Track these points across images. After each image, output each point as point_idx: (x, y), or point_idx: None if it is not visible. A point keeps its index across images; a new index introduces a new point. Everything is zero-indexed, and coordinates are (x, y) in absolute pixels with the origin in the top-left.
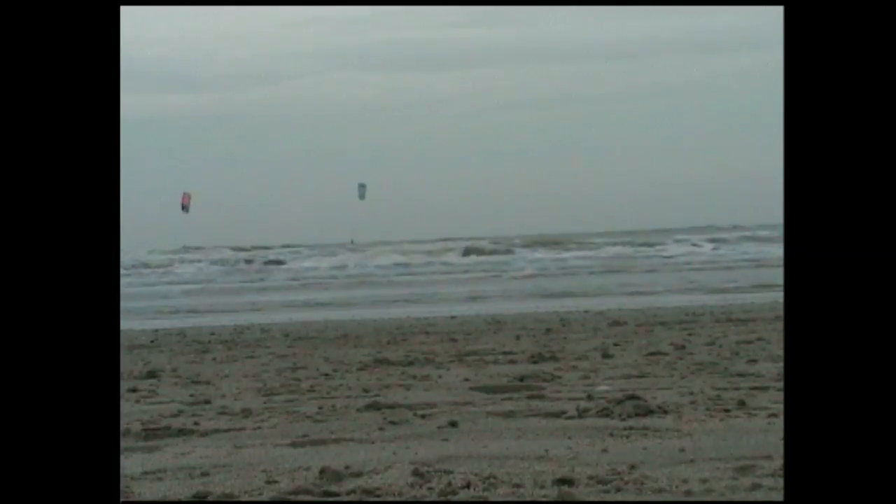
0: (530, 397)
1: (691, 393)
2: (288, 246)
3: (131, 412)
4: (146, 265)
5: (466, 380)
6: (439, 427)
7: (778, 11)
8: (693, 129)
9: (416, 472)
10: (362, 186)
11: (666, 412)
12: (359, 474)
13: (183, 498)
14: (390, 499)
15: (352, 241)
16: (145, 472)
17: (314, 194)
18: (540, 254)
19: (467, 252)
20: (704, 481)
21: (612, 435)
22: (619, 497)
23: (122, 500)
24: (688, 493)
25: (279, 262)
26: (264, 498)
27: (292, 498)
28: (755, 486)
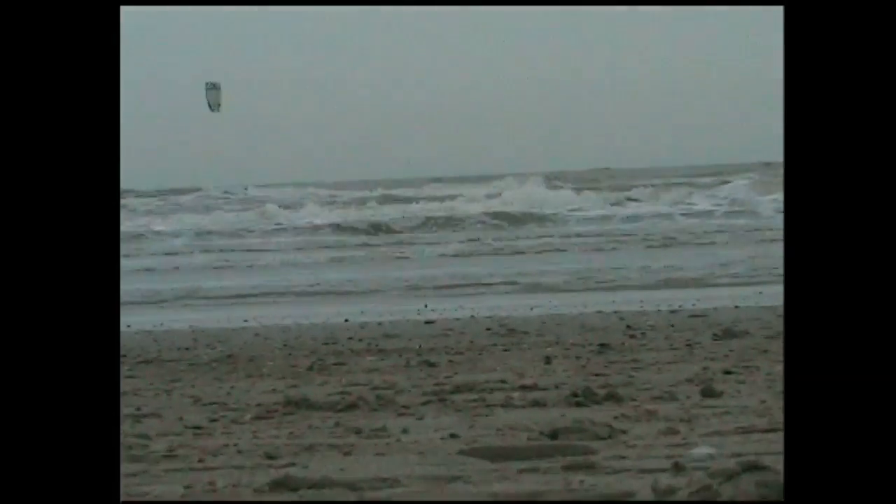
0: (569, 469)
1: None
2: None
3: None
4: None
5: (453, 437)
6: None
7: (777, 11)
8: None
9: None
10: (213, 88)
11: None
12: None
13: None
14: None
15: (245, 189)
16: None
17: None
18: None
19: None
20: None
21: None
22: None
23: (122, 500)
24: None
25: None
26: None
27: None
28: None
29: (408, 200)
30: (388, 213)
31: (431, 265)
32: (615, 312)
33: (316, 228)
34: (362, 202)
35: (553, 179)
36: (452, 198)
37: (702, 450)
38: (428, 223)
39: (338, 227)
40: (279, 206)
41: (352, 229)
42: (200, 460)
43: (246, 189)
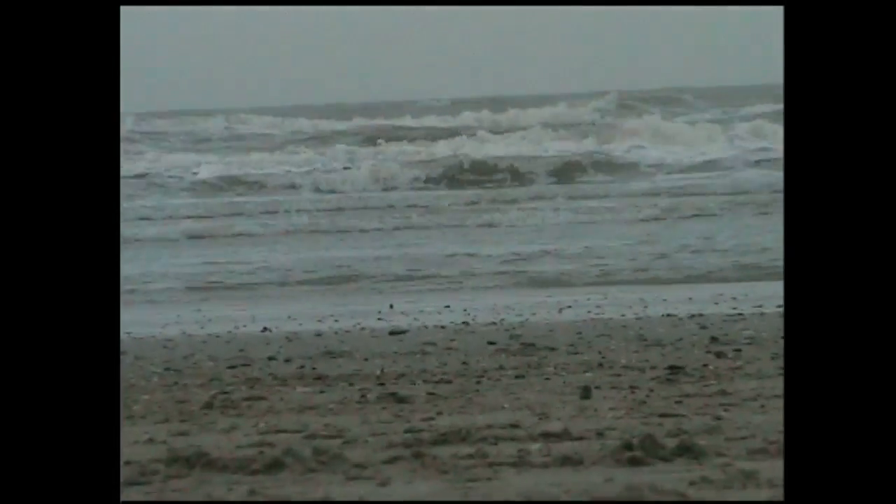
0: None
1: None
2: None
3: None
4: None
5: None
6: None
7: (777, 11)
8: None
9: None
10: None
11: None
12: None
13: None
14: None
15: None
16: None
17: None
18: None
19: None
20: None
21: None
22: None
23: (121, 500)
24: None
25: None
26: None
27: None
28: None
29: (384, 135)
30: (340, 156)
31: (405, 241)
32: (693, 317)
33: (223, 184)
34: (318, 139)
35: (628, 98)
36: (443, 134)
37: None
38: (408, 174)
39: (255, 183)
40: (162, 151)
41: (283, 186)
42: None
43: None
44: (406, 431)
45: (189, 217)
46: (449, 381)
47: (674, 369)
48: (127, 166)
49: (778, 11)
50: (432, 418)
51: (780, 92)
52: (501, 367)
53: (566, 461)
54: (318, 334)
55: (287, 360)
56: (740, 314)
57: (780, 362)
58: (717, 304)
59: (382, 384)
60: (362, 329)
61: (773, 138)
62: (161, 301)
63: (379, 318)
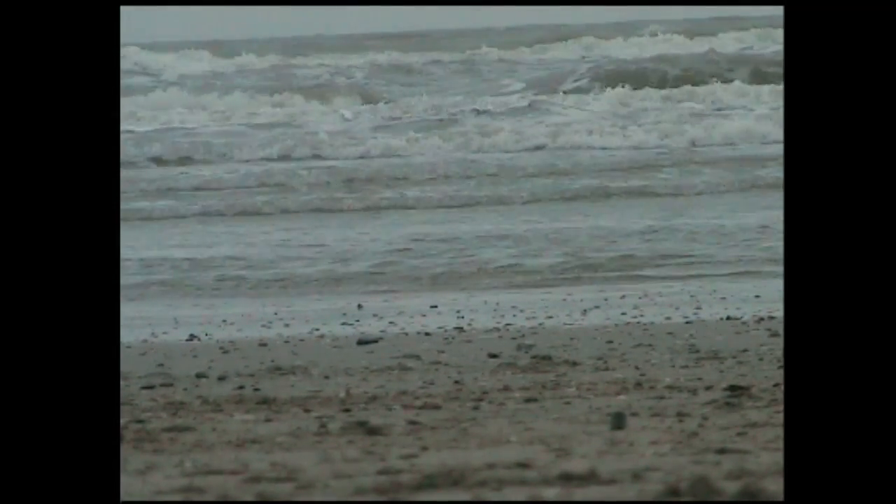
0: None
1: None
2: None
3: None
4: None
5: None
6: None
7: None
8: None
9: None
10: None
11: None
12: None
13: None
14: None
15: None
16: None
17: None
18: None
19: None
20: None
21: None
22: None
23: (122, 500)
24: None
25: None
26: None
27: None
28: None
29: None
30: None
31: (377, 219)
32: (761, 321)
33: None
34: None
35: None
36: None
37: None
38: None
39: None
40: None
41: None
42: None
43: None
44: (380, 473)
45: None
46: (437, 407)
47: (735, 390)
48: None
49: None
50: (415, 456)
51: None
52: (507, 388)
53: None
54: (263, 344)
55: (221, 379)
56: None
57: None
58: None
59: (348, 410)
60: (321, 337)
61: None
62: None
63: (343, 323)
